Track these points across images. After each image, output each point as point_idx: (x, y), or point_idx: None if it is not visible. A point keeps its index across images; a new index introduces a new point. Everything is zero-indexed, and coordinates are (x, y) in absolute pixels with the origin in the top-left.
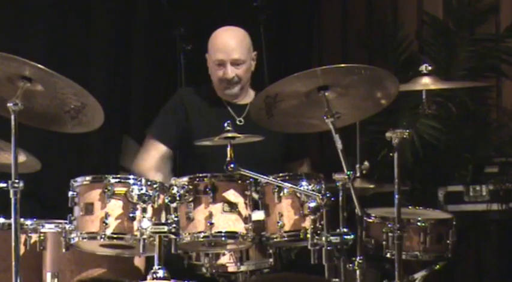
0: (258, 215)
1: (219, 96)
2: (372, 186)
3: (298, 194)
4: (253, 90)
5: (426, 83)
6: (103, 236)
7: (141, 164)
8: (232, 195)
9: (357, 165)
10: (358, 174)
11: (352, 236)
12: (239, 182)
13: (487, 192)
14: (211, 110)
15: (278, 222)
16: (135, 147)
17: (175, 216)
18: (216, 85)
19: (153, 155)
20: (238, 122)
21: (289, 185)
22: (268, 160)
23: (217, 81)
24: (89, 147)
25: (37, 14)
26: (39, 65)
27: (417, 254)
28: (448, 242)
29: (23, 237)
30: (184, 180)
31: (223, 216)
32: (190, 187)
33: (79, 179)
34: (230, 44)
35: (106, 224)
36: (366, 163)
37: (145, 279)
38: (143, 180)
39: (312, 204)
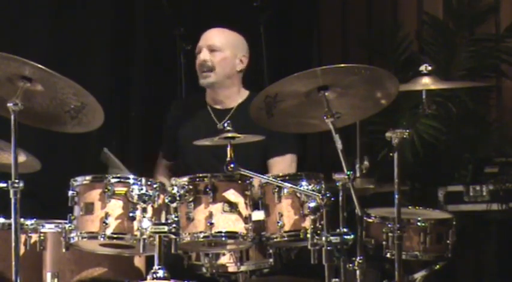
0: (258, 215)
1: (206, 102)
2: (372, 186)
3: (298, 194)
4: (249, 91)
5: (426, 83)
6: (103, 235)
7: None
8: (232, 195)
9: (357, 165)
10: (358, 174)
11: (352, 236)
12: (239, 182)
13: (487, 192)
14: (194, 117)
15: (278, 222)
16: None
17: (175, 216)
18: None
19: (160, 167)
20: (218, 127)
21: (289, 185)
22: (251, 164)
23: (197, 70)
24: (88, 147)
25: (37, 13)
26: (39, 65)
27: (417, 254)
28: (448, 242)
29: (23, 237)
30: (184, 180)
31: (223, 216)
32: (190, 187)
33: (79, 179)
34: (210, 33)
35: (106, 223)
36: (366, 162)
37: (146, 279)
38: (143, 180)
39: (312, 204)
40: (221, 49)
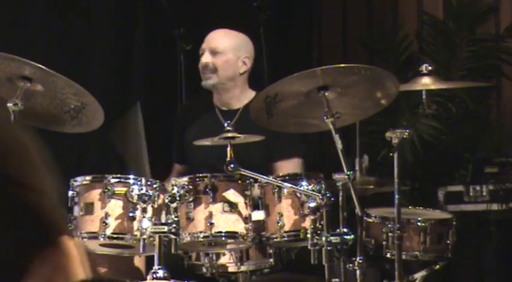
0: (258, 215)
1: (213, 104)
2: (371, 186)
3: (298, 194)
4: (255, 92)
5: (426, 83)
6: (103, 235)
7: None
8: (232, 195)
9: (356, 159)
10: (357, 168)
11: (352, 236)
12: (239, 182)
13: (487, 192)
14: (201, 118)
15: (278, 222)
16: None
17: (175, 216)
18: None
19: (173, 175)
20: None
21: (289, 185)
22: (252, 164)
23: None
24: (88, 147)
25: (37, 14)
26: (39, 65)
27: (417, 254)
28: (448, 242)
29: None
30: (184, 180)
31: (223, 216)
32: (190, 187)
33: (79, 179)
34: (213, 35)
35: (106, 223)
36: (365, 156)
37: (146, 279)
38: (143, 180)
39: (312, 204)
40: (223, 52)
